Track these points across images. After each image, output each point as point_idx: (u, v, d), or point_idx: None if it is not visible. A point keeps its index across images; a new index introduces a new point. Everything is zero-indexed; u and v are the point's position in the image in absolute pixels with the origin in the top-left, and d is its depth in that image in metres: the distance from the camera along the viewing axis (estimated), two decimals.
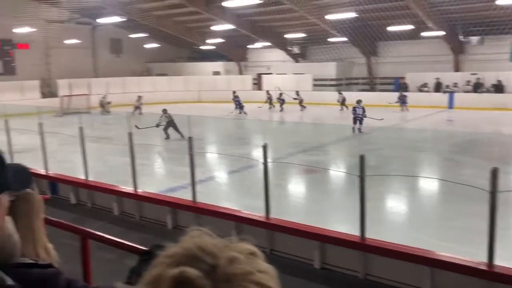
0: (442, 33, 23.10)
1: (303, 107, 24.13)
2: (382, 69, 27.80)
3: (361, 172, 4.61)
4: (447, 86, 24.64)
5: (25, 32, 24.06)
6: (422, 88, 25.56)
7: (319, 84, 28.28)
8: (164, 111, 15.05)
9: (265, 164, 5.29)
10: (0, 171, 1.14)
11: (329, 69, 28.34)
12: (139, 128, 12.58)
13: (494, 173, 3.98)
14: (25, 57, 26.77)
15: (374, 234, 4.88)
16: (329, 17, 21.11)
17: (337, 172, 9.57)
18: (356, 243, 4.75)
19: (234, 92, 23.75)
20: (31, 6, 21.59)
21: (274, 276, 0.65)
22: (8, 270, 1.12)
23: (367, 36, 24.84)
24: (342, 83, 28.75)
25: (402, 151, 12.54)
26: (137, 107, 22.80)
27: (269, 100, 25.14)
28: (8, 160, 1.20)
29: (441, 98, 24.06)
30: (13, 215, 1.37)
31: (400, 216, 7.63)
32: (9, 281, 1.06)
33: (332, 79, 28.37)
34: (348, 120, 16.22)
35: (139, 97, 23.60)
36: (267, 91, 25.80)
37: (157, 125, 14.71)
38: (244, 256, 0.63)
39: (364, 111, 15.61)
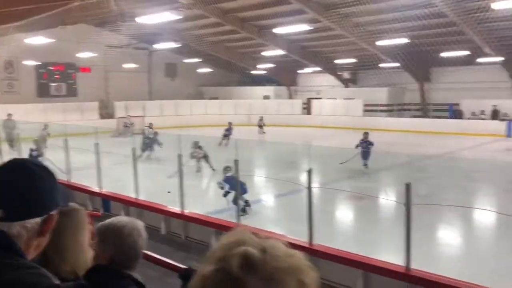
0: (500, 59, 22.27)
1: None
2: (435, 95, 27.05)
3: (407, 201, 4.51)
4: (506, 114, 23.66)
5: (86, 57, 25.58)
6: (480, 115, 24.68)
7: (370, 109, 27.96)
8: (46, 126, 17.26)
9: (309, 189, 5.28)
10: (53, 190, 1.28)
11: (380, 95, 27.98)
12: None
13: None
14: (86, 80, 28.39)
15: (421, 265, 4.72)
16: (380, 43, 20.93)
17: (386, 200, 9.33)
18: (401, 274, 4.61)
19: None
20: (94, 33, 22.99)
21: (303, 258, 0.81)
22: None
23: (420, 62, 24.37)
24: (394, 109, 28.27)
25: (456, 180, 12.05)
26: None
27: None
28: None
29: (499, 126, 23.08)
30: (58, 229, 1.45)
31: (451, 248, 7.32)
32: None
33: (383, 105, 27.98)
34: (399, 147, 15.79)
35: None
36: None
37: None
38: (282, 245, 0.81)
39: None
